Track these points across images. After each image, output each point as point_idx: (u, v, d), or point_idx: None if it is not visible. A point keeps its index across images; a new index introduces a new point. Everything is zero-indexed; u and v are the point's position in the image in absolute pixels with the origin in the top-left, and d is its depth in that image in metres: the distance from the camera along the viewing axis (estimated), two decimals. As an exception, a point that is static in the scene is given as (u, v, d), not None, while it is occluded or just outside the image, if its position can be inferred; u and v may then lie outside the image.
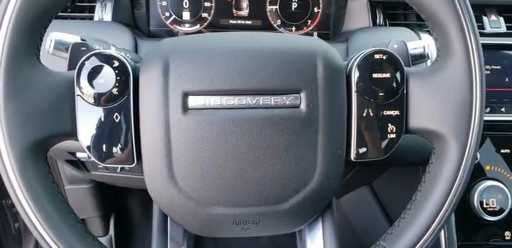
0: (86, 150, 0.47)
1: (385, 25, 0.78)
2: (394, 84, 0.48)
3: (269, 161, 0.47)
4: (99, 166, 0.92)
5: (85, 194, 1.06)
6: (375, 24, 0.78)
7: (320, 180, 0.48)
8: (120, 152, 0.47)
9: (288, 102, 0.47)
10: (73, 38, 0.55)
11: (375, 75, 0.47)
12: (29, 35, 0.44)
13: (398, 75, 0.48)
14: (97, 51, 0.47)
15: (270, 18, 0.85)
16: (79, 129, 0.47)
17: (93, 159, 0.47)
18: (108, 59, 0.46)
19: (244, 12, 0.86)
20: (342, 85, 0.48)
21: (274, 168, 0.47)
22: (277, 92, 0.47)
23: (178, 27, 0.85)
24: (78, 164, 0.93)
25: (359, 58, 0.48)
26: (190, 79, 0.46)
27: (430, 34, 0.61)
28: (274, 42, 0.49)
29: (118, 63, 0.46)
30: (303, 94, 0.47)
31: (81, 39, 0.55)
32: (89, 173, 0.95)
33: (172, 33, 0.86)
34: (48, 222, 0.45)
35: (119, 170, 0.92)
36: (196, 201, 0.47)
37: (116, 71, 0.46)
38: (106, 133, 0.47)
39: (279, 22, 0.85)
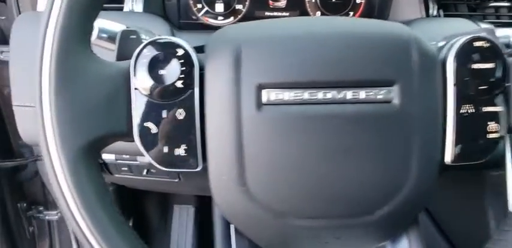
0: (144, 152, 0.40)
1: (439, 16, 0.72)
2: (497, 76, 0.41)
3: (356, 165, 0.40)
4: (123, 168, 0.85)
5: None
6: (428, 15, 0.71)
7: (413, 187, 0.41)
8: (183, 154, 0.40)
9: (379, 96, 0.40)
10: (118, 26, 0.48)
11: (475, 66, 0.41)
12: (84, 16, 0.37)
13: (501, 65, 0.41)
14: (157, 37, 0.40)
15: (308, 9, 0.78)
16: (136, 128, 0.40)
17: (153, 163, 0.40)
18: (171, 47, 0.40)
19: (281, 3, 0.79)
20: (438, 77, 0.41)
21: (362, 173, 0.40)
22: (367, 84, 0.40)
23: (210, 20, 0.78)
24: (101, 167, 0.86)
25: (456, 46, 0.41)
26: (265, 69, 0.39)
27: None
28: (358, 26, 0.43)
29: (183, 52, 0.40)
30: (396, 87, 0.40)
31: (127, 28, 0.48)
32: (111, 176, 0.88)
33: (203, 26, 0.79)
34: (103, 233, 0.38)
35: (145, 173, 0.85)
36: (270, 211, 0.40)
37: (181, 61, 0.39)
38: (167, 132, 0.40)
39: (318, 13, 0.79)
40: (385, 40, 0.41)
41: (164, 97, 0.39)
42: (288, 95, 0.39)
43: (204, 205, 1.17)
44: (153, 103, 0.39)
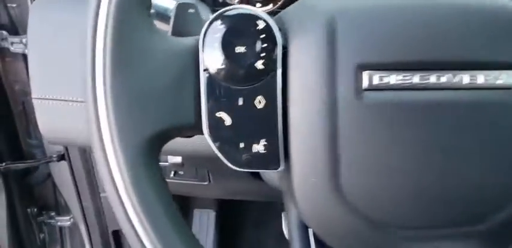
0: (215, 148, 0.33)
1: None
2: None
3: (472, 165, 0.32)
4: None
5: (123, 203, 0.91)
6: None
7: None
8: (263, 151, 0.32)
9: (498, 81, 0.33)
10: (169, 2, 0.40)
11: None
12: None
13: None
14: (232, 7, 0.32)
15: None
16: (205, 119, 0.32)
17: (225, 161, 0.33)
18: (249, 19, 0.32)
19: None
20: None
21: (478, 172, 0.33)
22: (486, 67, 0.32)
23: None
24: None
25: None
26: (367, 46, 0.32)
27: None
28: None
29: (264, 25, 0.32)
30: None
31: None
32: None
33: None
34: (167, 245, 0.31)
35: (172, 175, 0.77)
36: (368, 220, 0.33)
37: (262, 36, 0.32)
38: (244, 124, 0.32)
39: None
40: (504, 13, 0.33)
41: (241, 81, 0.32)
42: (394, 78, 0.32)
43: (225, 209, 1.09)
44: (227, 88, 0.32)
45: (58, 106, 0.55)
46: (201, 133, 0.33)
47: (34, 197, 0.99)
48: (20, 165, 0.88)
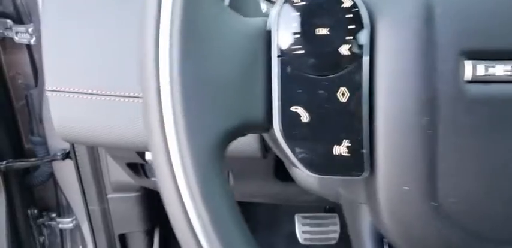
0: (287, 149, 0.27)
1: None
2: None
3: None
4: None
5: (131, 204, 0.85)
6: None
7: None
8: (345, 153, 0.27)
9: None
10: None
11: None
12: None
13: None
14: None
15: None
16: (277, 114, 0.27)
17: (299, 165, 0.27)
18: None
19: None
20: None
21: None
22: None
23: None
24: (138, 168, 0.72)
25: None
26: (471, 30, 0.27)
27: None
28: None
29: (351, 3, 0.27)
30: None
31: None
32: (146, 179, 0.75)
33: None
34: None
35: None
36: (471, 235, 0.28)
37: (348, 16, 0.27)
38: (325, 121, 0.27)
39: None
40: None
41: (322, 69, 0.27)
42: (501, 69, 0.27)
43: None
44: (305, 78, 0.27)
45: (77, 99, 0.49)
46: (267, 131, 0.28)
47: (34, 197, 0.93)
48: (22, 164, 0.81)
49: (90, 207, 0.83)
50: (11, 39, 0.77)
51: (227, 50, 0.25)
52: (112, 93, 0.49)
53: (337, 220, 0.91)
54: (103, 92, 0.49)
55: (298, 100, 0.27)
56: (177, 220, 0.25)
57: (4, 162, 0.79)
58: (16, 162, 0.81)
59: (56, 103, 0.50)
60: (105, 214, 0.84)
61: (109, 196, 0.83)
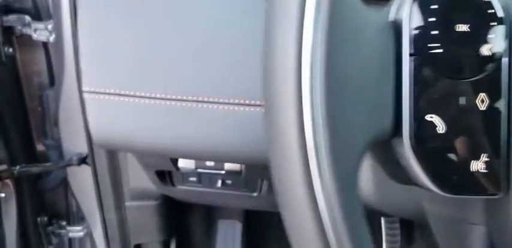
0: (415, 165, 0.23)
1: None
2: None
3: None
4: (190, 178, 0.67)
5: (149, 213, 0.80)
6: None
7: None
8: (483, 170, 0.23)
9: None
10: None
11: None
12: None
13: None
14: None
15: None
16: (409, 123, 0.23)
17: (428, 184, 0.23)
18: None
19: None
20: None
21: None
22: None
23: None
24: (165, 176, 0.68)
25: None
26: None
27: None
28: None
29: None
30: None
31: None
32: (172, 188, 0.70)
33: None
34: None
35: (219, 184, 0.67)
36: None
37: (490, 11, 0.23)
38: (463, 132, 0.23)
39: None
40: None
41: (462, 71, 0.23)
42: None
43: (251, 221, 0.99)
44: (443, 81, 0.23)
45: (119, 102, 0.44)
46: (386, 140, 0.24)
47: (45, 204, 0.87)
48: (36, 169, 0.76)
49: (106, 215, 0.78)
50: (29, 36, 0.72)
51: (366, 48, 0.21)
52: (158, 96, 0.45)
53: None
54: (148, 94, 0.45)
55: (434, 107, 0.23)
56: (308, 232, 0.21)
57: (17, 167, 0.74)
58: (30, 166, 0.75)
59: (93, 106, 0.46)
60: (122, 223, 0.79)
61: (127, 204, 0.78)
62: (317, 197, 0.20)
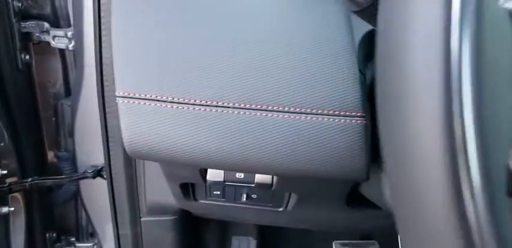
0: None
1: None
2: None
3: None
4: (215, 192, 0.64)
5: (166, 228, 0.75)
6: None
7: None
8: None
9: None
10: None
11: None
12: None
13: None
14: None
15: None
16: None
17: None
18: None
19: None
20: None
21: None
22: None
23: None
24: (188, 189, 0.64)
25: None
26: None
27: None
28: None
29: None
30: None
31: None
32: (192, 202, 0.66)
33: None
34: None
35: (244, 198, 0.63)
36: None
37: None
38: None
39: None
40: None
41: None
42: None
43: (266, 237, 0.95)
44: None
45: (156, 108, 0.41)
46: None
47: (54, 219, 0.82)
48: (48, 182, 0.72)
49: (120, 231, 0.74)
50: (47, 43, 0.69)
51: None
52: (198, 102, 0.42)
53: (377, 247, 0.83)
54: (187, 100, 0.42)
55: None
56: None
57: (29, 180, 0.70)
58: (43, 179, 0.71)
59: (127, 113, 0.42)
60: (137, 239, 0.74)
61: (143, 219, 0.74)
62: (464, 195, 0.17)
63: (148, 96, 0.42)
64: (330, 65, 0.42)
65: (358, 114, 0.42)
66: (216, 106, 0.41)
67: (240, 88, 0.42)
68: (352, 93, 0.42)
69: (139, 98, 0.42)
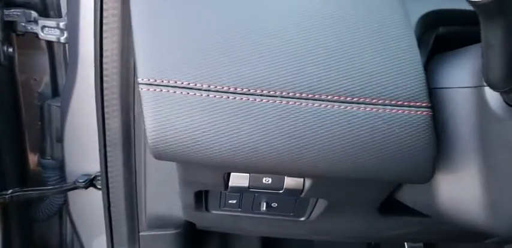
0: None
1: None
2: None
3: None
4: (230, 201, 0.56)
5: (167, 244, 0.66)
6: None
7: None
8: None
9: None
10: None
11: None
12: None
13: None
14: None
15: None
16: None
17: None
18: None
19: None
20: None
21: None
22: None
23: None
24: (200, 199, 0.55)
25: None
26: None
27: None
28: None
29: None
30: None
31: None
32: (203, 213, 0.58)
33: None
34: None
35: (264, 207, 0.56)
36: None
37: None
38: None
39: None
40: None
41: None
42: None
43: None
44: None
45: (185, 97, 0.33)
46: None
47: (34, 237, 0.72)
48: (32, 193, 0.62)
49: (116, 249, 0.64)
50: (33, 35, 0.60)
51: None
52: (239, 91, 0.34)
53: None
54: (225, 89, 0.34)
55: None
56: None
57: (9, 191, 0.60)
58: (25, 191, 0.61)
59: (153, 102, 0.35)
60: (135, 257, 0.65)
61: (142, 233, 0.64)
62: None
63: (178, 83, 0.34)
64: (391, 48, 0.36)
65: (424, 105, 0.36)
66: (261, 95, 0.34)
67: (285, 75, 0.35)
68: (416, 80, 0.36)
69: (167, 86, 0.34)
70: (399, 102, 0.36)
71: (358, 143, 0.35)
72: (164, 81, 0.34)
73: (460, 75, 0.39)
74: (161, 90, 0.34)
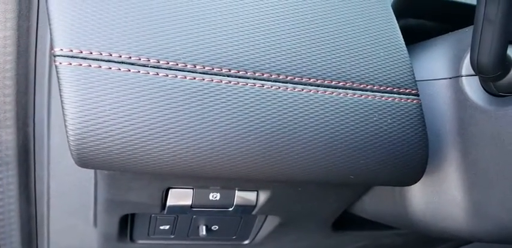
0: None
1: None
2: None
3: None
4: (162, 227, 0.43)
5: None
6: None
7: None
8: None
9: None
10: None
11: None
12: None
13: None
14: None
15: None
16: None
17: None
18: None
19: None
20: None
21: None
22: None
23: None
24: (126, 226, 0.42)
25: None
26: None
27: None
28: None
29: None
30: None
31: None
32: (127, 244, 0.44)
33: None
34: None
35: (204, 231, 0.44)
36: None
37: None
38: None
39: None
40: None
41: None
42: None
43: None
44: None
45: (124, 75, 0.23)
46: None
47: None
48: None
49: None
50: None
51: None
52: (191, 68, 0.24)
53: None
54: (171, 65, 0.24)
55: None
56: None
57: None
58: None
59: (74, 82, 0.23)
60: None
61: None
62: None
63: (113, 57, 0.23)
64: (381, 31, 0.30)
65: (413, 92, 0.30)
66: (228, 75, 0.24)
67: (258, 52, 0.26)
68: (404, 66, 0.30)
69: (95, 59, 0.23)
70: (388, 88, 0.29)
71: (343, 133, 0.27)
72: (93, 53, 0.23)
73: (434, 66, 0.34)
74: (89, 65, 0.23)
